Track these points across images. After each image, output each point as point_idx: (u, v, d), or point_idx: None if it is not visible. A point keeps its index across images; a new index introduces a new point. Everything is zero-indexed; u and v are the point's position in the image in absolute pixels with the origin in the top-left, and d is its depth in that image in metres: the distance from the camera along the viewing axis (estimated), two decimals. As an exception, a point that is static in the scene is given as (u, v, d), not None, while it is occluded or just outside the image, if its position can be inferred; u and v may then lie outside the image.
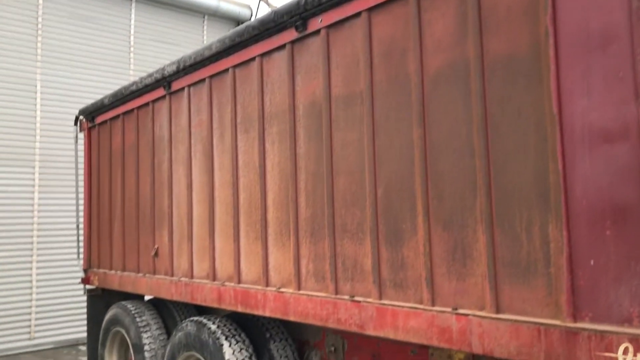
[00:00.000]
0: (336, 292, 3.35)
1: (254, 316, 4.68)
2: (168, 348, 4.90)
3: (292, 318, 3.63)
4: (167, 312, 5.75)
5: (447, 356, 3.39)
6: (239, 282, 4.16)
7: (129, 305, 5.74)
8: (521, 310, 2.39)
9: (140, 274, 5.47)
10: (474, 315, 2.54)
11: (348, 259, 3.28)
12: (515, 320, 2.37)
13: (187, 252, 4.79)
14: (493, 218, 2.50)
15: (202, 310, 5.71)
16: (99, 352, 6.19)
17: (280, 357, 4.48)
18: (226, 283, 4.29)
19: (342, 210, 3.30)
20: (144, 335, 5.41)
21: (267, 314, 3.84)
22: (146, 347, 5.35)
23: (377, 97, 3.09)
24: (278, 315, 3.75)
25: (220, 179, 4.40)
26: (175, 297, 4.88)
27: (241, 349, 4.33)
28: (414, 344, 3.08)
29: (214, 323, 4.50)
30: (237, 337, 4.41)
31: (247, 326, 4.63)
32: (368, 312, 3.11)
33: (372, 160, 3.09)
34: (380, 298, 3.06)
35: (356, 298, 3.21)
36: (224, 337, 4.35)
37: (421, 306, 2.80)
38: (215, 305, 4.38)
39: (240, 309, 4.10)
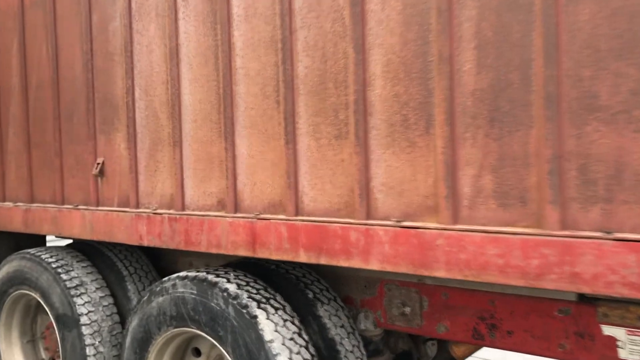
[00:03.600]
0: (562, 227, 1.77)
1: (276, 266, 2.99)
2: (134, 324, 3.02)
3: (443, 274, 2.01)
4: (104, 262, 3.78)
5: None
6: (297, 212, 2.41)
7: (43, 254, 3.66)
8: None
9: (68, 206, 3.42)
10: None
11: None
12: None
13: (171, 167, 2.88)
14: None
15: (153, 258, 3.84)
16: (-14, 326, 4.04)
17: (335, 327, 2.86)
18: (265, 215, 2.51)
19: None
20: (78, 301, 3.42)
21: (376, 266, 2.17)
22: (84, 319, 3.38)
23: None
24: (404, 270, 2.10)
25: (250, 30, 2.51)
26: (148, 242, 2.97)
27: (285, 321, 2.63)
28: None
29: (229, 281, 2.72)
30: (273, 302, 2.69)
31: (276, 282, 2.91)
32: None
33: None
34: None
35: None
36: (255, 304, 2.61)
37: None
38: (241, 252, 2.59)
39: (304, 258, 2.37)
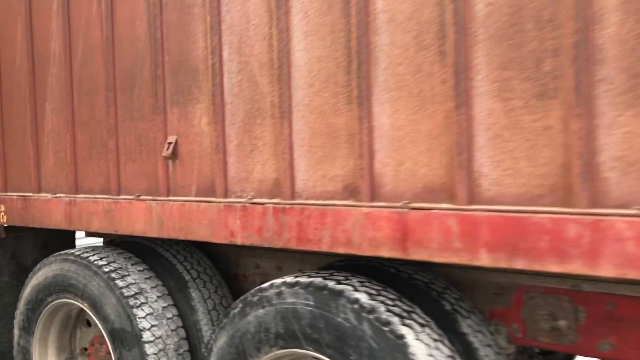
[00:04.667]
0: None
1: (396, 269, 2.43)
2: (222, 343, 2.40)
3: None
4: (161, 265, 3.16)
5: None
6: (471, 199, 1.80)
7: (91, 255, 3.02)
8: None
9: (127, 196, 2.79)
10: None
11: None
12: None
13: (275, 144, 2.27)
14: None
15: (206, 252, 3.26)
16: (17, 341, 3.40)
17: (483, 346, 2.28)
18: (419, 204, 1.90)
19: None
20: (138, 313, 2.79)
21: (610, 273, 1.57)
22: (146, 336, 2.76)
23: None
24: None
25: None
26: (242, 239, 2.36)
27: (436, 342, 2.04)
28: None
29: (356, 288, 2.11)
30: (416, 316, 2.09)
31: (401, 291, 2.31)
32: None
33: None
34: None
35: None
36: (398, 320, 2.01)
37: None
38: (383, 253, 1.98)
39: (487, 261, 1.76)
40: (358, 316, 2.03)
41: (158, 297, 2.92)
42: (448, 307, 2.33)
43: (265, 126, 2.30)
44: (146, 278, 2.97)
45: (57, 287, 3.08)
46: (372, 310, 2.03)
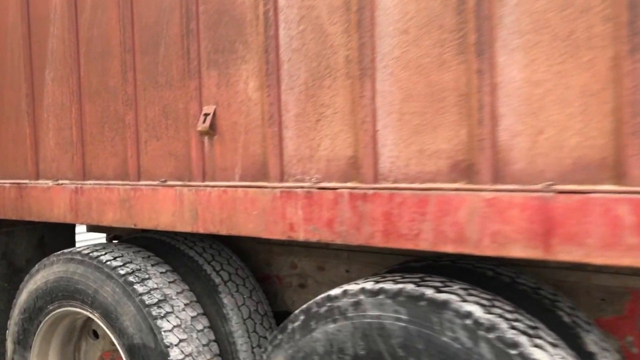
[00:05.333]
0: None
1: (494, 271, 1.95)
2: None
3: None
4: (185, 265, 2.64)
5: None
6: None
7: (102, 254, 2.48)
8: None
9: (150, 182, 2.26)
10: None
11: None
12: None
13: (351, 112, 1.75)
14: None
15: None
16: (10, 357, 2.85)
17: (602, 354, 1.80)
18: (569, 187, 1.40)
19: None
20: (164, 326, 2.27)
21: None
22: (174, 354, 2.23)
23: None
24: None
25: None
26: (305, 235, 1.84)
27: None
28: None
29: (463, 298, 1.61)
30: (543, 333, 1.59)
31: (503, 295, 1.81)
32: None
33: None
34: None
35: None
36: (525, 340, 1.51)
37: None
38: (515, 253, 1.48)
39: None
40: (472, 335, 1.53)
41: (185, 305, 2.40)
42: (566, 319, 1.85)
43: (337, 89, 1.78)
44: (170, 282, 2.45)
45: (60, 292, 2.54)
46: (491, 328, 1.53)
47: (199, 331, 2.37)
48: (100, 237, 3.82)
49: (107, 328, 2.41)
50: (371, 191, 1.69)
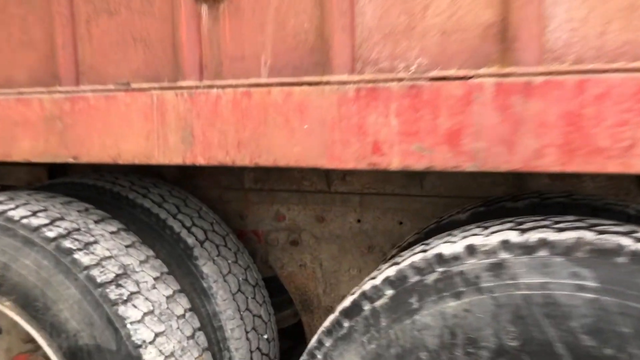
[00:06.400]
0: None
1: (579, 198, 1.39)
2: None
3: None
4: (136, 219, 1.81)
5: None
6: None
7: (12, 207, 1.57)
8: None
9: (101, 87, 1.38)
10: None
11: None
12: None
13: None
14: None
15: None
16: None
17: None
18: None
19: None
20: (129, 314, 1.44)
21: None
22: (149, 356, 1.43)
23: None
24: None
25: None
26: (398, 164, 1.11)
27: None
28: None
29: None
30: None
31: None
32: None
33: None
34: None
35: None
36: None
37: None
38: None
39: None
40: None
41: (155, 279, 1.58)
42: None
43: None
44: (127, 246, 1.60)
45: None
46: None
47: (179, 317, 1.57)
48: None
49: (27, 323, 1.53)
50: (540, 78, 1.00)
